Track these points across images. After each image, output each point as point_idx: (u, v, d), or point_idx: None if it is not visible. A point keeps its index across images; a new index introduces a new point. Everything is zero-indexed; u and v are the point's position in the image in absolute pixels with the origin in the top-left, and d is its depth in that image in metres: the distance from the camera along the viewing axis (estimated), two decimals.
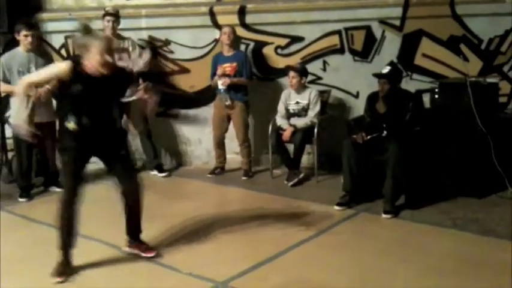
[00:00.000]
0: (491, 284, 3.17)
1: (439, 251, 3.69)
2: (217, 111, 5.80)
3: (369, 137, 4.66)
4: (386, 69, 4.69)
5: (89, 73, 3.32)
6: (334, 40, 5.86)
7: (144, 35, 6.15)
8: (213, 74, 5.75)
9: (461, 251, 3.67)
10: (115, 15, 5.69)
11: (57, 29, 6.34)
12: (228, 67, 5.63)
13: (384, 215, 4.41)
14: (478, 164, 4.71)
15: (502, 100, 5.29)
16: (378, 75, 4.70)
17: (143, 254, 3.71)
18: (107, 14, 5.68)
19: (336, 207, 4.60)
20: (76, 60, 3.35)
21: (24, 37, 5.06)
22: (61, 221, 3.49)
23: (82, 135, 3.40)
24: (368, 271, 3.40)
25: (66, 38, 6.35)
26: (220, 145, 5.90)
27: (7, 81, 5.10)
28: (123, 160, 3.69)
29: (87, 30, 3.38)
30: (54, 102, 5.29)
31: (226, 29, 5.70)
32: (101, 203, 5.15)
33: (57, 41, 6.40)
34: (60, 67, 3.37)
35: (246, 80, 5.68)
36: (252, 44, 6.01)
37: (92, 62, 3.30)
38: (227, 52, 5.72)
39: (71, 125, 3.38)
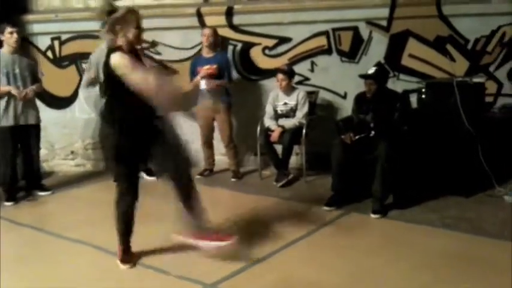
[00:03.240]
0: (481, 283, 3.18)
1: (428, 249, 3.70)
2: (202, 112, 5.79)
3: (357, 137, 4.68)
4: (372, 70, 4.70)
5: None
6: (322, 41, 5.88)
7: None
8: (192, 75, 5.71)
9: (450, 250, 3.68)
10: None
11: (43, 30, 6.31)
12: (209, 69, 5.59)
13: (372, 215, 4.42)
14: (466, 163, 4.74)
15: (488, 100, 5.34)
16: (364, 76, 4.72)
17: (223, 243, 3.47)
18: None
19: (325, 208, 4.61)
20: (114, 50, 3.18)
21: (9, 35, 5.02)
22: (119, 210, 3.60)
23: (136, 131, 3.31)
24: (358, 270, 3.40)
25: (52, 39, 6.32)
26: (208, 145, 5.88)
27: None
28: (162, 139, 3.42)
29: (112, 7, 3.33)
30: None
31: (206, 31, 5.67)
32: (89, 206, 5.15)
33: (43, 42, 6.36)
34: (126, 60, 3.13)
35: (226, 82, 5.66)
36: (239, 45, 6.01)
37: (129, 36, 3.21)
38: (207, 54, 5.70)
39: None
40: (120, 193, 3.55)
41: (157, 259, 3.68)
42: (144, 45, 6.19)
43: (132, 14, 3.26)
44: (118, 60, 3.11)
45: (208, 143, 5.88)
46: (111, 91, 3.32)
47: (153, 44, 6.21)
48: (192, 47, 6.08)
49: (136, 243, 3.90)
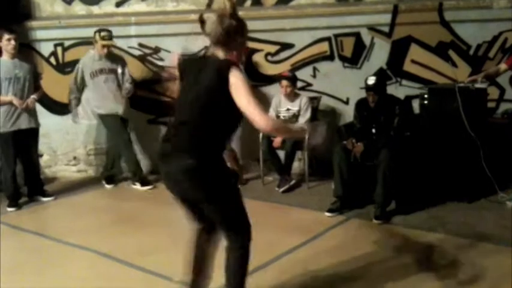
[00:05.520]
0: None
1: (431, 255, 3.69)
2: None
3: (359, 143, 4.68)
4: (371, 80, 4.69)
5: None
6: (324, 47, 5.89)
7: (134, 42, 6.15)
8: None
9: (453, 255, 3.67)
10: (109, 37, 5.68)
11: (46, 37, 6.33)
12: None
13: (374, 221, 4.41)
14: (468, 168, 4.74)
15: (490, 105, 5.34)
16: (365, 88, 4.73)
17: None
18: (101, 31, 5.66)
19: (327, 214, 4.60)
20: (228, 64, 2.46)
21: (7, 42, 5.04)
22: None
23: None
24: (360, 277, 3.40)
25: (55, 45, 6.34)
26: None
27: None
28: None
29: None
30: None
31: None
32: (91, 212, 5.16)
33: (46, 49, 6.38)
34: (245, 78, 2.44)
35: None
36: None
37: (241, 50, 2.61)
38: None
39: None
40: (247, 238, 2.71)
41: (160, 265, 3.67)
42: (147, 51, 6.25)
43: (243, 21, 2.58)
44: (240, 77, 2.39)
45: None
46: (211, 114, 2.46)
47: (156, 50, 6.23)
48: (194, 54, 6.09)
49: (137, 249, 3.91)
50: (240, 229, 2.66)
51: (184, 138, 2.49)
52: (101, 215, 5.04)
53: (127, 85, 5.77)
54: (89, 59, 5.69)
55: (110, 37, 5.63)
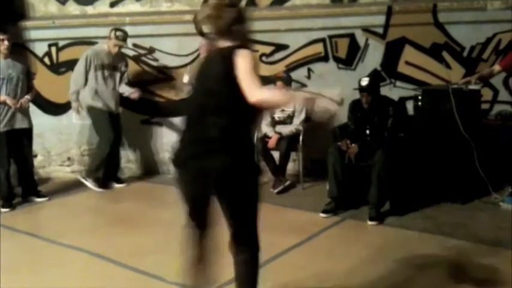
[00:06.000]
0: None
1: (425, 256, 3.71)
2: None
3: (353, 144, 4.69)
4: (365, 82, 4.71)
5: None
6: (319, 48, 5.90)
7: (128, 42, 6.13)
8: None
9: (446, 256, 3.69)
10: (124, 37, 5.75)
11: (40, 37, 6.31)
12: None
13: (369, 222, 4.42)
14: (462, 169, 4.76)
15: (484, 107, 5.36)
16: (359, 89, 4.74)
17: None
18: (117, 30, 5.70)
19: (322, 215, 4.61)
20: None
21: (0, 42, 5.04)
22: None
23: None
24: (354, 277, 3.41)
25: (49, 46, 6.32)
26: None
27: None
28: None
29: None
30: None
31: (202, 42, 5.65)
32: (85, 213, 5.15)
33: (40, 49, 6.36)
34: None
35: None
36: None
37: (246, 37, 2.54)
38: None
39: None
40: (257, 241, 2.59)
41: (153, 265, 3.66)
42: (141, 51, 6.24)
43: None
44: (245, 54, 2.31)
45: None
46: (234, 104, 2.32)
47: (150, 50, 6.22)
48: (189, 54, 6.09)
49: (131, 249, 3.90)
50: (257, 236, 2.57)
51: (213, 134, 2.35)
52: (95, 216, 5.03)
53: (125, 86, 5.85)
54: (99, 51, 5.72)
55: (125, 38, 5.75)
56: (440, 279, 3.32)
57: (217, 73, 2.36)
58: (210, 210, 2.57)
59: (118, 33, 5.66)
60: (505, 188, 4.87)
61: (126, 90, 5.85)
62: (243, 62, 2.28)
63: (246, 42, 2.49)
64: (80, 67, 5.70)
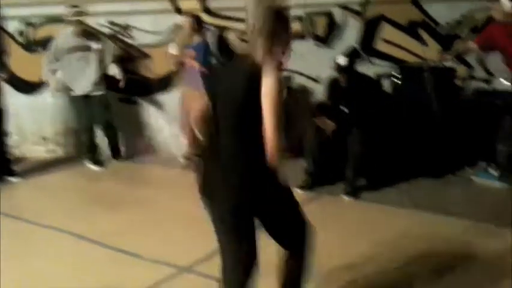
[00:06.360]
0: (446, 259, 3.26)
1: (399, 230, 3.77)
2: (183, 102, 5.68)
3: (330, 121, 4.71)
4: (341, 60, 4.74)
5: None
6: (296, 26, 5.87)
7: (104, 20, 6.04)
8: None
9: (418, 229, 3.76)
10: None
11: (14, 14, 6.18)
12: (188, 57, 5.52)
13: (345, 197, 4.48)
14: (436, 145, 4.82)
15: (459, 83, 5.40)
16: (336, 69, 4.76)
17: None
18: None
19: (298, 190, 4.64)
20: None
21: None
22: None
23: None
24: (331, 250, 3.44)
25: (23, 24, 6.20)
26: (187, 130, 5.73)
27: None
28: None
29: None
30: None
31: (184, 19, 5.61)
32: (62, 192, 5.10)
33: (13, 27, 6.24)
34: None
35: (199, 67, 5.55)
36: (215, 30, 5.97)
37: (285, 48, 2.19)
38: (189, 41, 5.63)
39: None
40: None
41: (132, 243, 3.67)
42: (116, 28, 6.15)
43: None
44: (271, 85, 2.02)
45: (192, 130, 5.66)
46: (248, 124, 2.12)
47: (126, 28, 6.13)
48: (165, 31, 6.02)
49: (110, 229, 3.90)
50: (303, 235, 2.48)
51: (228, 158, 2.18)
52: (72, 196, 4.99)
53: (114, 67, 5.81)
54: (65, 35, 5.61)
55: (81, 13, 5.57)
56: (413, 252, 3.38)
57: (242, 93, 2.09)
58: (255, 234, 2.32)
59: (74, 9, 5.53)
60: (478, 163, 4.95)
61: (115, 72, 5.77)
62: (267, 91, 2.01)
63: (282, 53, 2.18)
64: (50, 56, 5.64)
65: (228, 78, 2.19)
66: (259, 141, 2.08)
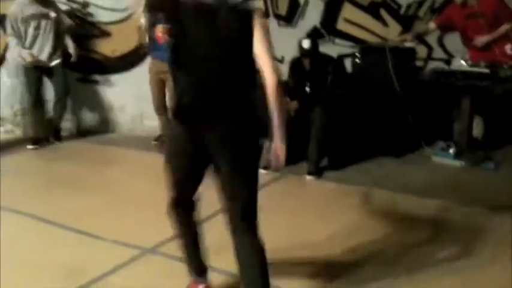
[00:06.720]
0: (407, 238, 3.35)
1: (360, 208, 3.85)
2: (153, 76, 5.55)
3: (293, 101, 4.73)
4: (306, 44, 4.77)
5: None
6: (259, 5, 5.83)
7: None
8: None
9: (380, 208, 3.85)
10: None
11: None
12: (160, 29, 5.38)
13: (307, 177, 4.53)
14: (396, 125, 4.92)
15: (419, 64, 5.50)
16: (300, 53, 4.81)
17: None
18: None
19: (262, 171, 4.65)
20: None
21: None
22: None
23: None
24: (293, 229, 3.50)
25: None
26: (162, 111, 5.55)
27: None
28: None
29: None
30: None
31: None
32: (22, 174, 4.97)
33: None
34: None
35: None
36: None
37: None
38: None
39: None
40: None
41: (93, 225, 3.62)
42: (74, 5, 5.98)
43: None
44: (264, 24, 2.24)
45: (160, 109, 5.55)
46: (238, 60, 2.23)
47: (84, 5, 5.97)
48: (125, 9, 5.89)
49: (70, 211, 3.84)
50: (256, 215, 2.40)
51: (216, 97, 2.21)
52: (33, 177, 4.87)
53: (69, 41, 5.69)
54: (19, 6, 5.43)
55: None
56: (377, 232, 3.46)
57: (231, 36, 2.16)
58: (199, 182, 2.40)
59: None
60: (436, 142, 5.07)
61: (70, 45, 5.63)
62: (261, 31, 2.18)
63: None
64: (8, 30, 5.45)
65: (209, 15, 2.17)
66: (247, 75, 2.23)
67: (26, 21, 5.41)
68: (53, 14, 5.55)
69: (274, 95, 2.21)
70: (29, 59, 5.47)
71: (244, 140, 2.29)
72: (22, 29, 5.42)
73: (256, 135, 2.38)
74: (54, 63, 5.61)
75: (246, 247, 2.35)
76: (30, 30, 5.44)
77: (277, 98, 2.22)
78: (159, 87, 5.49)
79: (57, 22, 5.60)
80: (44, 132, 5.77)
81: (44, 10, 5.50)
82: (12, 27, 5.44)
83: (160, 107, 5.55)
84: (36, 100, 5.65)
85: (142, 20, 5.33)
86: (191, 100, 2.23)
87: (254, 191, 2.35)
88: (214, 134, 2.20)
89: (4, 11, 5.86)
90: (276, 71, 2.19)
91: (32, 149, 5.64)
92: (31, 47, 5.47)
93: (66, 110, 5.92)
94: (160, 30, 5.16)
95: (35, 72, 5.54)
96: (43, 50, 5.53)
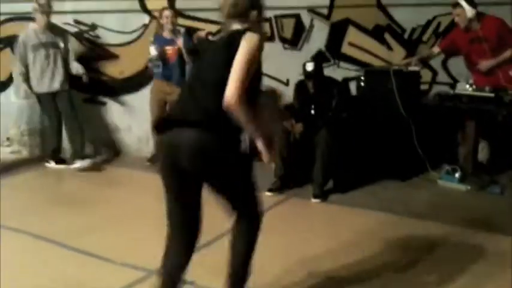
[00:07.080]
0: (413, 261, 3.34)
1: (366, 231, 3.84)
2: (154, 95, 5.63)
3: (298, 124, 4.76)
4: (310, 67, 4.81)
5: None
6: (265, 28, 5.89)
7: (70, 19, 5.94)
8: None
9: (385, 231, 3.83)
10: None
11: None
12: (169, 50, 5.48)
13: (313, 199, 4.53)
14: (401, 148, 4.93)
15: (423, 87, 5.53)
16: (304, 75, 4.84)
17: None
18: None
19: (267, 193, 4.67)
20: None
21: None
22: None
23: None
24: (298, 253, 3.49)
25: None
26: None
27: None
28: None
29: None
30: None
31: (167, 13, 5.55)
32: (26, 194, 5.00)
33: None
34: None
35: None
36: (182, 30, 5.95)
37: (258, 22, 2.51)
38: (167, 35, 5.57)
39: None
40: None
41: (99, 246, 3.62)
42: (83, 28, 6.06)
43: None
44: (250, 40, 2.26)
45: None
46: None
47: (93, 27, 6.05)
48: (133, 31, 5.97)
49: (72, 230, 3.85)
50: (254, 208, 2.61)
51: (194, 111, 2.31)
52: (36, 197, 4.89)
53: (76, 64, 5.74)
54: (31, 31, 5.51)
55: (48, 8, 5.50)
56: (379, 253, 3.45)
57: (222, 58, 2.29)
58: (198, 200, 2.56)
59: (40, 1, 5.46)
60: (442, 165, 5.07)
61: (78, 69, 5.69)
62: (243, 48, 2.24)
63: (257, 25, 2.46)
64: (17, 55, 5.54)
65: (215, 45, 2.48)
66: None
67: (36, 49, 5.48)
68: (62, 44, 5.64)
69: (230, 111, 2.23)
70: (22, 94, 5.60)
71: (219, 153, 2.36)
72: (31, 56, 5.49)
73: (233, 147, 2.49)
74: (63, 89, 5.68)
75: (241, 233, 2.65)
76: (39, 58, 5.51)
77: (235, 113, 2.25)
78: (159, 105, 5.56)
79: (66, 50, 5.68)
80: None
81: (54, 39, 5.57)
82: (20, 54, 5.51)
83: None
84: (56, 120, 5.71)
85: (153, 51, 5.42)
86: (172, 114, 2.48)
87: (248, 191, 2.55)
88: (185, 144, 2.26)
89: (14, 31, 5.94)
90: (236, 91, 2.19)
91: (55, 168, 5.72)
92: (42, 75, 5.53)
93: (83, 132, 5.91)
94: (170, 51, 5.25)
95: (49, 96, 5.61)
96: (55, 78, 5.60)
